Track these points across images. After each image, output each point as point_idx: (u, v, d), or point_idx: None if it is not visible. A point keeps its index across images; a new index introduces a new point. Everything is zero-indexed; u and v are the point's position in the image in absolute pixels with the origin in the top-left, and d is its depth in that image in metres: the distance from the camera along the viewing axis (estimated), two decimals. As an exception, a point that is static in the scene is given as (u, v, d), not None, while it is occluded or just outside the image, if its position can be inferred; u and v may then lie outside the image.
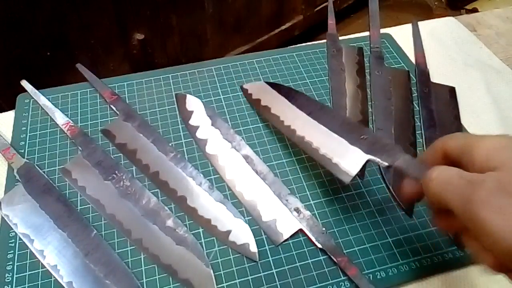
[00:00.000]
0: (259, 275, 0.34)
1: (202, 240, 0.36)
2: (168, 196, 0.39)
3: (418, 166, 0.29)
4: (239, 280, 0.34)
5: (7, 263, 0.34)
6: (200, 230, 0.37)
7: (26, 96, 0.46)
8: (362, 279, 0.33)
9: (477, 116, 0.47)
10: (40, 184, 0.38)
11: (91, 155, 0.41)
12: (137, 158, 0.41)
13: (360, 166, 0.33)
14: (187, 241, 0.35)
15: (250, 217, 0.37)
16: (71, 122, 0.43)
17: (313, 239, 0.35)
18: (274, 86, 0.44)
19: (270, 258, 0.35)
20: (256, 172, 0.40)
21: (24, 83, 0.46)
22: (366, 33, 0.56)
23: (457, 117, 0.46)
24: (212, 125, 0.44)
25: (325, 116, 0.37)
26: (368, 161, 0.33)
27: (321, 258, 0.35)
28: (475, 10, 1.64)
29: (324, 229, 0.36)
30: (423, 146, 0.43)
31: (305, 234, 0.36)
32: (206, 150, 0.42)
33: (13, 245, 0.35)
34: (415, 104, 0.47)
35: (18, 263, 0.34)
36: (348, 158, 0.34)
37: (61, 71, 0.89)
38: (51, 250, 0.35)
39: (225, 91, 0.48)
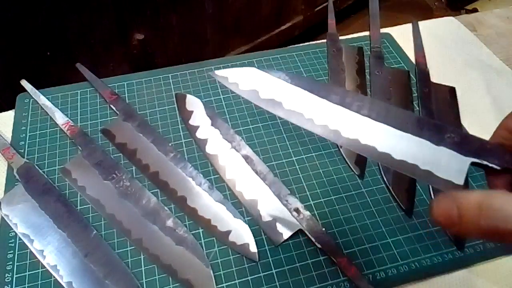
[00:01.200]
0: (258, 275, 0.34)
1: (202, 240, 0.36)
2: (168, 196, 0.39)
3: None
4: (239, 280, 0.34)
5: (7, 263, 0.34)
6: (200, 230, 0.37)
7: (26, 95, 0.46)
8: (362, 279, 0.33)
9: (477, 116, 0.47)
10: (40, 184, 0.38)
11: (91, 155, 0.41)
12: (137, 158, 0.41)
13: (465, 173, 0.25)
14: (187, 241, 0.35)
15: (250, 217, 0.37)
16: (71, 122, 0.43)
17: (313, 240, 0.35)
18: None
19: (270, 259, 0.35)
20: (256, 172, 0.40)
21: (24, 83, 0.46)
22: (366, 33, 0.56)
23: (457, 117, 0.46)
24: (212, 125, 0.44)
25: (388, 114, 0.27)
26: (472, 163, 0.25)
27: (321, 258, 0.35)
28: (475, 11, 1.64)
29: (324, 229, 0.36)
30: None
31: (305, 235, 0.36)
32: (206, 150, 0.42)
33: (13, 245, 0.35)
34: (415, 104, 0.47)
35: (18, 263, 0.34)
36: (443, 164, 0.26)
37: (61, 71, 0.89)
38: (51, 250, 0.35)
39: (225, 91, 0.48)
